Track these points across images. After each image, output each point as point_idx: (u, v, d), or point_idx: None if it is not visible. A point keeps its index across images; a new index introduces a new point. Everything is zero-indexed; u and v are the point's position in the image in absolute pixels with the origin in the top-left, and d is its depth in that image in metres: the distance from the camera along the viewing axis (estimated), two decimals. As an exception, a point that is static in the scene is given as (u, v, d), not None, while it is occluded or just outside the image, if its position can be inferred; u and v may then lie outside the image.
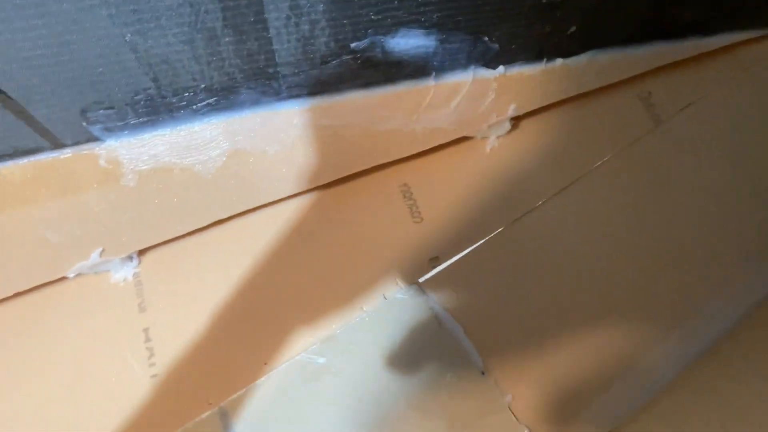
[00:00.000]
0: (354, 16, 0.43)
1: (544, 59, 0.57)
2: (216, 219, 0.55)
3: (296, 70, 0.47)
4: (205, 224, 0.55)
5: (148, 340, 0.53)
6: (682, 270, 0.57)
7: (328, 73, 0.49)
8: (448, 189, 0.61)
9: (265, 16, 0.40)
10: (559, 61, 0.58)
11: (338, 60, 0.47)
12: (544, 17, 0.51)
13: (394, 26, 0.46)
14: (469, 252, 0.58)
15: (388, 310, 0.55)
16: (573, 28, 0.54)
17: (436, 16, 0.46)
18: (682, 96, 0.67)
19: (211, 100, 0.47)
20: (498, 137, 0.63)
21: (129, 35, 0.37)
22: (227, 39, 0.41)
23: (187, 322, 0.54)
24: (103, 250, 0.52)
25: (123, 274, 0.55)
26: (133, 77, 0.41)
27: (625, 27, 0.57)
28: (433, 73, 0.54)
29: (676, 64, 0.66)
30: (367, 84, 0.52)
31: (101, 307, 0.55)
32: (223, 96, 0.46)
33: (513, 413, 0.51)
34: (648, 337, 0.55)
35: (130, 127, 0.46)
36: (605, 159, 0.63)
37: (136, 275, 0.56)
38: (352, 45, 0.46)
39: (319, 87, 0.50)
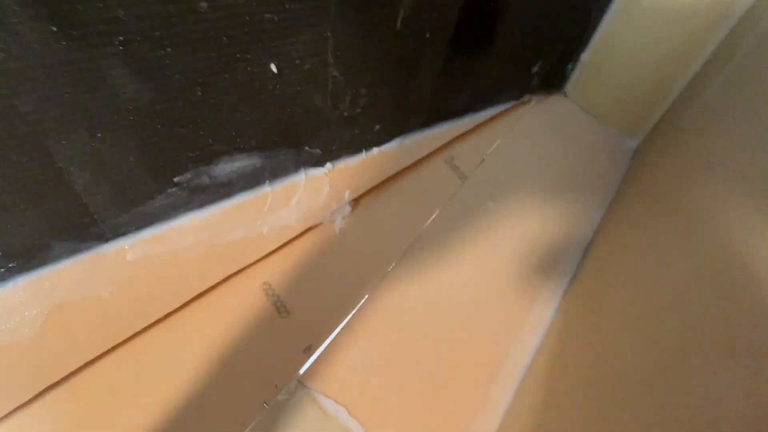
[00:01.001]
0: (170, 159, 0.45)
1: (363, 151, 0.68)
2: (45, 385, 0.48)
3: (118, 213, 0.46)
4: (31, 395, 0.48)
5: None
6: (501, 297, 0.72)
7: (156, 207, 0.49)
8: (308, 277, 0.65)
9: (67, 178, 0.39)
10: (375, 149, 0.69)
11: (163, 194, 0.48)
12: (351, 125, 0.61)
13: (215, 157, 0.49)
14: (338, 332, 0.62)
15: (273, 417, 0.55)
16: (377, 127, 0.65)
17: (253, 142, 0.51)
18: (478, 153, 0.87)
19: (12, 264, 0.42)
20: (343, 218, 0.70)
21: None
22: (22, 206, 0.38)
23: None
24: None
25: None
26: None
27: (416, 117, 0.71)
28: (267, 182, 0.58)
29: (469, 131, 0.85)
30: (202, 204, 0.53)
31: None
32: (27, 257, 0.42)
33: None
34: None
35: None
36: (433, 217, 0.76)
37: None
38: (176, 179, 0.48)
39: (148, 220, 0.49)
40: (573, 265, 0.78)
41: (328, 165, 0.64)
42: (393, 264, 0.70)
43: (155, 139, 0.42)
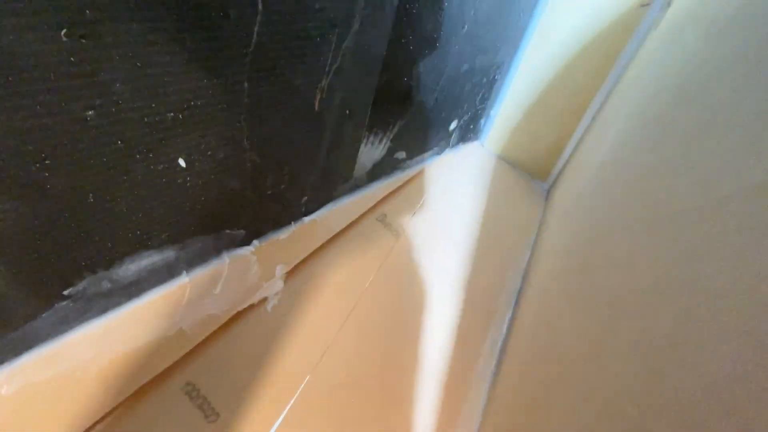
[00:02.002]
0: (57, 271, 0.38)
1: (292, 223, 0.65)
2: None
3: (-15, 343, 0.38)
4: None
5: None
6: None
7: (39, 326, 0.41)
8: (238, 370, 0.59)
9: None
10: (305, 219, 0.67)
11: (50, 310, 0.41)
12: (275, 201, 0.58)
13: (116, 260, 0.43)
14: (279, 426, 0.56)
15: None
16: (305, 198, 0.64)
17: (164, 236, 0.46)
18: (408, 209, 0.88)
19: None
20: (276, 295, 0.66)
21: None
22: None
23: None
24: None
25: None
26: None
27: (344, 184, 0.71)
28: (184, 272, 0.53)
29: (398, 188, 0.86)
30: (104, 311, 0.46)
31: None
32: None
33: None
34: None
35: None
36: (371, 279, 0.75)
37: None
38: (67, 291, 0.41)
39: (29, 343, 0.41)
40: (508, 314, 0.81)
41: (255, 243, 0.60)
42: (334, 335, 0.66)
43: (33, 256, 0.35)
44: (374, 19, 0.48)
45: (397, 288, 0.76)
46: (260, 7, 0.37)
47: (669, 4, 0.67)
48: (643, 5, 0.73)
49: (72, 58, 0.29)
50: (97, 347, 0.47)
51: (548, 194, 1.10)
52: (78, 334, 0.45)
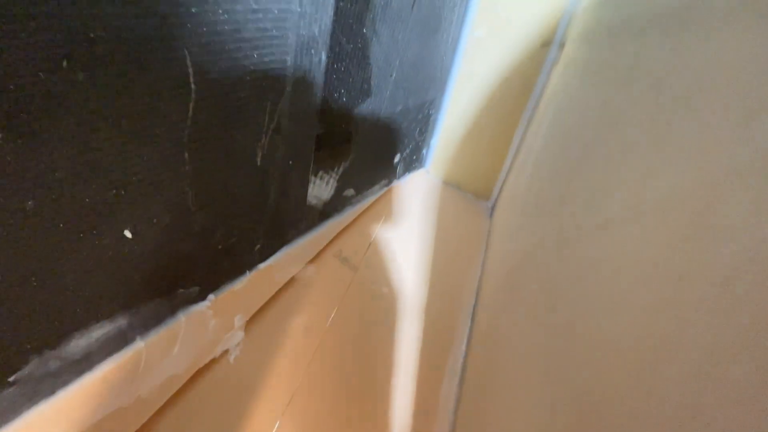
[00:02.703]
0: (-1, 359, 0.38)
1: (247, 272, 0.66)
2: None
3: None
4: None
5: None
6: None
7: (-17, 419, 0.39)
8: (206, 426, 0.58)
9: None
10: (260, 266, 0.69)
11: (-6, 400, 0.39)
12: (227, 254, 0.60)
13: (64, 337, 0.43)
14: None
15: None
16: (257, 247, 0.66)
17: (114, 306, 0.47)
18: (363, 242, 0.92)
19: None
20: (237, 345, 0.66)
21: None
22: None
23: None
24: None
25: None
26: None
27: (296, 228, 0.74)
28: (138, 337, 0.52)
29: (351, 223, 0.90)
30: (53, 391, 0.45)
31: None
32: None
33: None
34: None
35: None
36: (332, 316, 0.77)
37: None
38: (12, 378, 0.40)
39: (-27, 438, 0.39)
40: (466, 331, 0.85)
41: (210, 297, 0.61)
42: (300, 378, 0.67)
43: (-25, 348, 0.35)
44: (305, 82, 0.53)
45: (358, 322, 0.78)
46: (193, 86, 0.40)
47: (563, 46, 0.78)
48: (543, 46, 0.84)
49: (8, 157, 0.30)
50: (47, 431, 0.45)
51: (492, 211, 1.19)
52: (26, 421, 0.44)
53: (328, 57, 0.57)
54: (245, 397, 0.63)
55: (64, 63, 0.31)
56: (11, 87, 0.29)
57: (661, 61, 0.33)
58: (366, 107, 0.74)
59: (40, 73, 0.30)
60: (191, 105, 0.41)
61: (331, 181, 0.78)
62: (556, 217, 0.44)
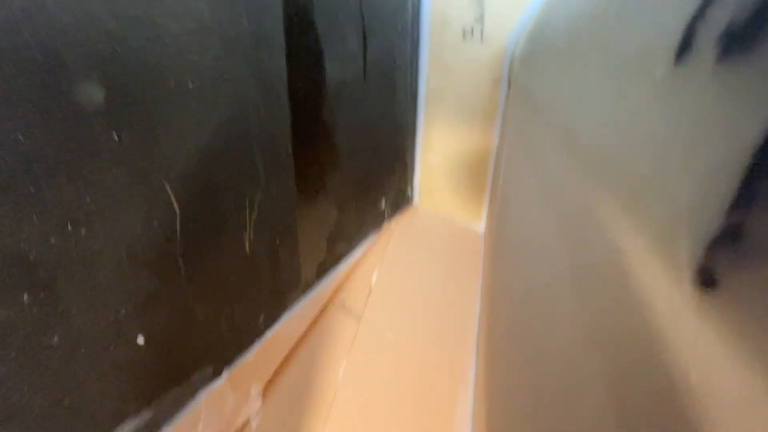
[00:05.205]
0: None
1: (256, 341, 0.72)
2: None
3: None
4: None
5: None
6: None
7: None
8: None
9: None
10: (267, 334, 0.74)
11: None
12: (232, 332, 0.66)
13: (99, 441, 0.49)
14: None
15: None
16: (261, 318, 0.71)
17: (139, 402, 0.52)
18: (364, 289, 0.97)
19: None
20: (257, 414, 0.71)
21: None
22: None
23: None
24: None
25: None
26: None
27: (295, 291, 0.80)
28: (163, 426, 0.58)
29: (350, 273, 0.95)
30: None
31: None
32: None
33: None
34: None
35: None
36: (342, 369, 0.81)
37: None
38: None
39: None
40: (472, 371, 0.88)
41: (225, 372, 0.67)
42: (320, 435, 0.71)
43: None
44: (277, 178, 0.60)
45: (368, 369, 0.83)
46: (177, 209, 0.47)
47: (510, 82, 0.85)
48: (494, 83, 0.92)
49: (33, 309, 0.37)
50: None
51: (484, 231, 1.23)
52: None
53: (293, 142, 0.64)
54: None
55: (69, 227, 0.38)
56: (30, 259, 0.36)
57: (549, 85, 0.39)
58: (340, 176, 0.81)
59: (52, 239, 0.37)
60: (178, 223, 0.48)
61: (321, 241, 0.84)
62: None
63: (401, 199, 1.15)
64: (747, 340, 0.09)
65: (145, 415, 0.55)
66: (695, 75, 0.13)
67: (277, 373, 0.76)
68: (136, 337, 0.48)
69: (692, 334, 0.10)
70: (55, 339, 0.40)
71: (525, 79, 0.65)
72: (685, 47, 0.14)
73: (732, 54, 0.11)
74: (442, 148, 1.12)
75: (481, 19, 0.97)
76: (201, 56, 0.47)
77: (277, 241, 0.67)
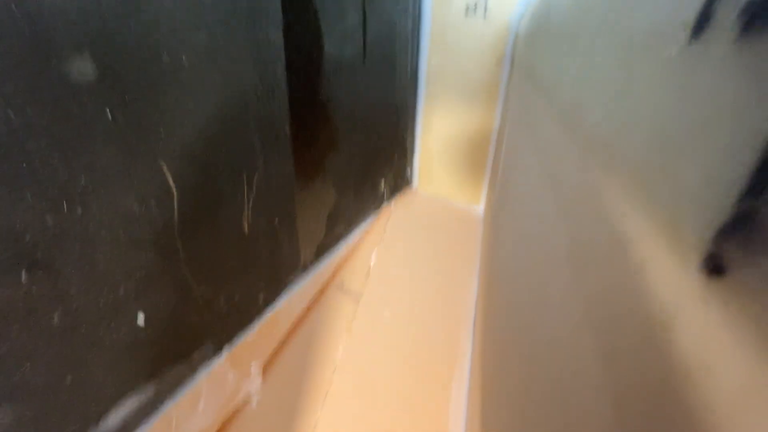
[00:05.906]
0: (52, 445, 0.45)
1: (255, 320, 0.73)
2: None
3: None
4: None
5: None
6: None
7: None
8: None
9: None
10: (266, 313, 0.75)
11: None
12: (231, 313, 0.66)
13: (102, 415, 0.50)
14: None
15: None
16: (261, 297, 0.72)
17: (140, 378, 0.53)
18: (363, 270, 0.98)
19: None
20: (257, 390, 0.73)
21: None
22: None
23: None
24: None
25: None
26: None
27: (294, 271, 0.80)
28: (168, 399, 0.59)
29: (349, 254, 0.96)
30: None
31: None
32: None
33: None
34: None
35: None
36: (341, 349, 0.83)
37: None
38: (64, 458, 0.47)
39: None
40: (469, 348, 0.89)
41: (225, 350, 0.68)
42: (319, 414, 0.73)
43: (31, 442, 0.42)
44: (275, 158, 0.59)
45: (366, 348, 0.84)
46: (174, 189, 0.46)
47: (513, 62, 0.83)
48: (497, 64, 0.89)
49: (33, 287, 0.37)
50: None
51: (483, 214, 1.23)
52: (82, 491, 0.51)
53: (291, 120, 0.63)
54: (272, 436, 0.69)
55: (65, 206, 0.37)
56: (27, 238, 0.35)
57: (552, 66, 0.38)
58: (339, 159, 0.80)
59: (47, 218, 0.36)
60: (175, 205, 0.47)
61: (320, 223, 0.84)
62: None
63: (400, 181, 1.15)
64: (754, 329, 0.08)
65: (147, 392, 0.56)
66: (712, 52, 0.12)
67: (277, 352, 0.77)
68: (136, 316, 0.49)
69: (698, 322, 0.10)
70: (56, 317, 0.40)
71: (529, 57, 0.63)
72: (702, 23, 0.13)
73: (754, 29, 0.10)
74: (442, 130, 1.11)
75: (485, -6, 0.93)
76: (195, 32, 0.46)
77: (276, 222, 0.67)
